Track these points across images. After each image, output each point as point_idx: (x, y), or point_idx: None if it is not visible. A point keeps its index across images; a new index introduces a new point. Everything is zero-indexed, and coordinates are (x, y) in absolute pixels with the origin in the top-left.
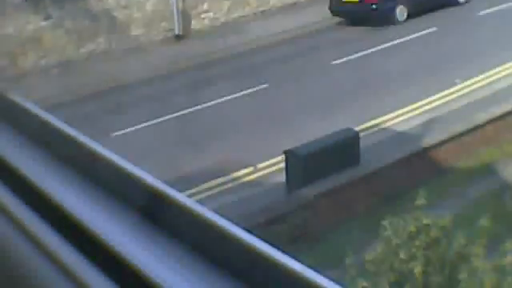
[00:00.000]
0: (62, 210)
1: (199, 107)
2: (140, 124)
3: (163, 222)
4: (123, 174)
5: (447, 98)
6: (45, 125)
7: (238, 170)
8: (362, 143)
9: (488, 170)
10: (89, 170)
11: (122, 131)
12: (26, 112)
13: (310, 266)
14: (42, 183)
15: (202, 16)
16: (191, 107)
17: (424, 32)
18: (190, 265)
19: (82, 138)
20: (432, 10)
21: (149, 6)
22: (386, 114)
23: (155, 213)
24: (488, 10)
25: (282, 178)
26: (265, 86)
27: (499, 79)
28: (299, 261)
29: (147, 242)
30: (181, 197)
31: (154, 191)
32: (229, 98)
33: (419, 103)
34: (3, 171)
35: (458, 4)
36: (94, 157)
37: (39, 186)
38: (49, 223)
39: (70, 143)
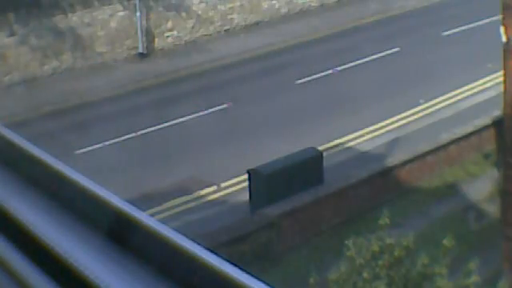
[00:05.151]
0: (27, 230)
1: (163, 125)
2: (104, 142)
3: (128, 242)
4: (89, 195)
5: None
6: (8, 143)
7: (201, 188)
8: (325, 162)
9: (451, 190)
10: (54, 190)
11: (86, 149)
12: None
13: (273, 286)
14: (6, 203)
15: (166, 34)
16: (155, 125)
17: None
18: (153, 285)
19: (48, 158)
20: None
21: (113, 24)
22: (350, 134)
23: (121, 234)
24: None
25: (246, 196)
26: (226, 105)
27: None
28: (263, 281)
29: (113, 263)
30: (146, 218)
31: (119, 212)
32: (192, 116)
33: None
34: None
35: None
36: (59, 177)
37: (2, 206)
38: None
39: (34, 162)
